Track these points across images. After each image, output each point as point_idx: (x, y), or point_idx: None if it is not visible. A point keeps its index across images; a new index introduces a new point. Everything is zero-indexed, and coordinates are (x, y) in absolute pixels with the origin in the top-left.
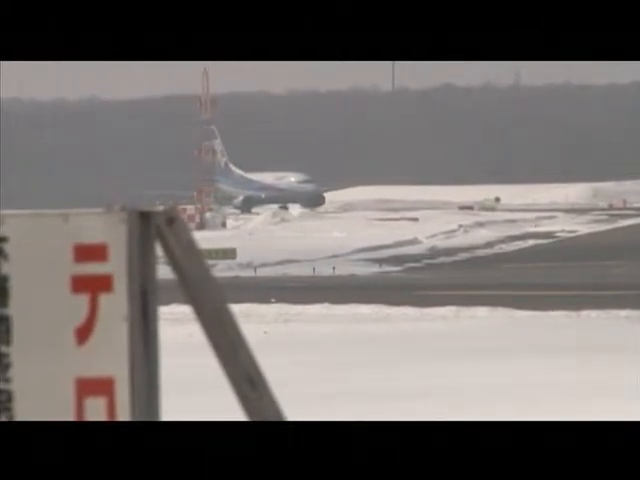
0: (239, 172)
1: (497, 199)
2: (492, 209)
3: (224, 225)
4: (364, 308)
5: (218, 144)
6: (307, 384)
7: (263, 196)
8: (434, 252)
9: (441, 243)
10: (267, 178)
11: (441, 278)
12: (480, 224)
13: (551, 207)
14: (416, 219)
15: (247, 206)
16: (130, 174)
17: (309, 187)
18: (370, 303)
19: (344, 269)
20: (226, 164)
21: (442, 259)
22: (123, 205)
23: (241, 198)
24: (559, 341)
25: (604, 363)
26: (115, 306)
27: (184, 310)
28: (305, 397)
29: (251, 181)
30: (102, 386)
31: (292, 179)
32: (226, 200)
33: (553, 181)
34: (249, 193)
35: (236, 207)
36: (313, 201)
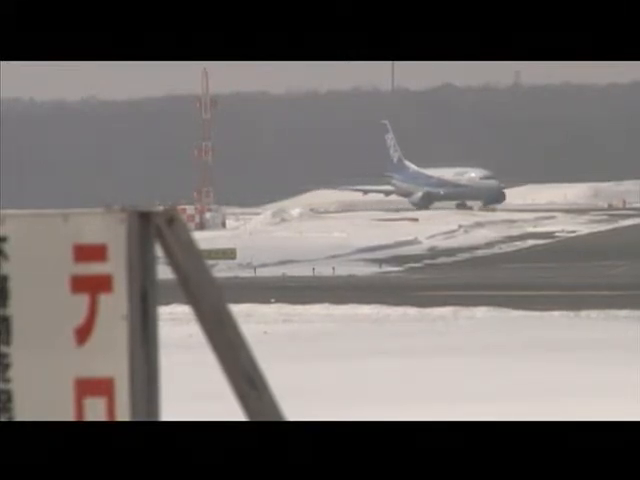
0: (414, 167)
1: None
2: (492, 209)
3: (224, 225)
4: (364, 308)
5: (390, 139)
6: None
7: (442, 192)
8: (434, 252)
9: (441, 243)
10: (446, 174)
11: (441, 278)
12: (480, 224)
13: (551, 207)
14: (416, 219)
15: (426, 202)
16: (130, 174)
17: (491, 183)
18: (370, 303)
19: (344, 269)
20: (399, 159)
21: (442, 259)
22: (123, 205)
23: (420, 194)
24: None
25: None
26: (115, 306)
27: (184, 310)
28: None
29: (429, 177)
30: (102, 386)
31: (473, 175)
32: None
33: (553, 181)
34: (428, 189)
35: (413, 204)
36: (494, 198)
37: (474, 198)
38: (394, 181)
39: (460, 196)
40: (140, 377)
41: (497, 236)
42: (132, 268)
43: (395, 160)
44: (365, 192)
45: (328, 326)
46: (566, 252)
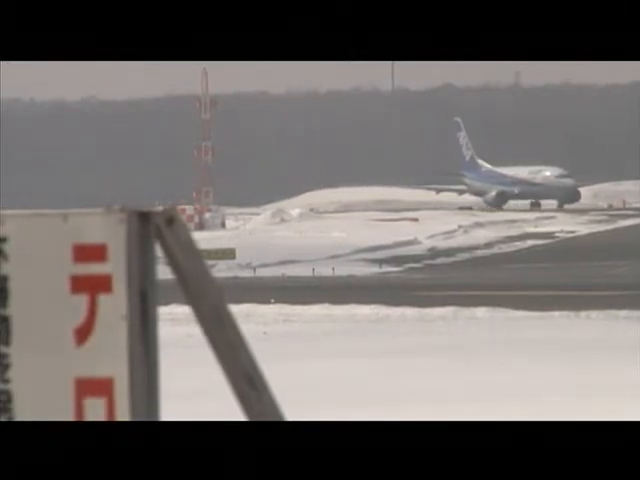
0: (487, 166)
1: None
2: (491, 209)
3: (223, 225)
4: (364, 308)
5: (463, 137)
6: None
7: (516, 191)
8: (434, 252)
9: (441, 243)
10: (520, 172)
11: (441, 278)
12: (480, 224)
13: (551, 207)
14: (416, 219)
15: (500, 201)
16: (130, 174)
17: (566, 182)
18: (370, 304)
19: (344, 269)
20: (472, 158)
21: (442, 259)
22: (122, 205)
23: (494, 193)
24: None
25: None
26: (114, 306)
27: (183, 310)
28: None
29: (502, 175)
30: (101, 386)
31: (547, 173)
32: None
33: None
34: (502, 188)
35: (487, 203)
36: (569, 197)
37: (549, 197)
38: (466, 180)
39: (535, 195)
40: (140, 377)
41: (497, 236)
42: (132, 268)
43: (467, 158)
44: (438, 191)
45: (328, 326)
46: (566, 252)
